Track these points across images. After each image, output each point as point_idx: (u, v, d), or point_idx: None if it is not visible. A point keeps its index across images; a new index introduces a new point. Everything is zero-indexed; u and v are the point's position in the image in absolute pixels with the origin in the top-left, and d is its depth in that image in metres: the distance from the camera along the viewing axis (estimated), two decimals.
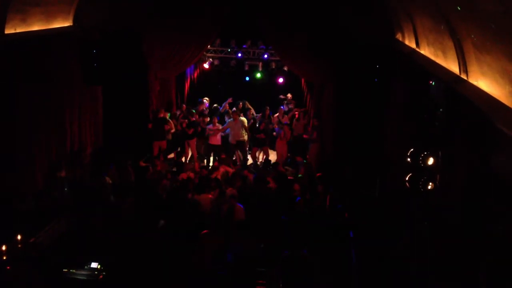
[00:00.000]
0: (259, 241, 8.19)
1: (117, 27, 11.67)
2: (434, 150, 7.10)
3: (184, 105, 14.53)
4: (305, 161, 13.58)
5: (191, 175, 11.77)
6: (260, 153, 14.93)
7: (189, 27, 12.45)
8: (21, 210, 8.83)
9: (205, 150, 14.60)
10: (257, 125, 14.56)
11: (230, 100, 15.25)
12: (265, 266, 7.91)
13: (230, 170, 12.20)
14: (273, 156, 14.90)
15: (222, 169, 12.09)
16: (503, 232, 4.81)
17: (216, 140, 14.13)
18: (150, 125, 13.29)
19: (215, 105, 15.86)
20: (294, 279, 6.65)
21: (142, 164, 12.19)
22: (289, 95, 16.06)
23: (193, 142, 14.12)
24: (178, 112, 14.87)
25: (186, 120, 14.18)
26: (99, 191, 10.27)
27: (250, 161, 14.84)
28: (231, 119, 14.16)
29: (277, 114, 15.02)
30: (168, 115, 14.02)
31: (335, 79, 12.20)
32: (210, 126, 14.17)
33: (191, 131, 13.95)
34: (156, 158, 12.60)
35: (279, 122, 14.71)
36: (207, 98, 15.61)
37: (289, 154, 14.72)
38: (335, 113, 12.43)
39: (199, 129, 14.06)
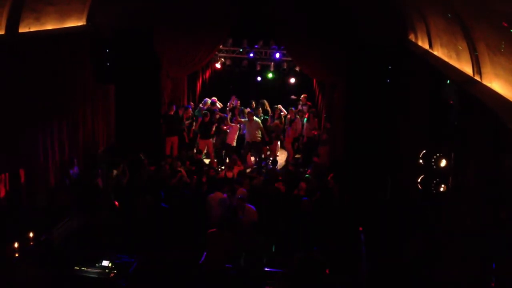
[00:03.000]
0: (269, 241, 8.18)
1: (129, 26, 11.74)
2: (447, 152, 7.04)
3: (190, 109, 14.52)
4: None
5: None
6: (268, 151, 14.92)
7: (201, 27, 12.47)
8: (33, 207, 8.92)
9: (221, 147, 14.64)
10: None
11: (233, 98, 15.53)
12: (276, 267, 7.92)
13: (240, 169, 12.23)
14: (284, 156, 14.96)
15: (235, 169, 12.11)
16: None
17: (231, 139, 14.20)
18: (161, 121, 13.37)
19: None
20: (306, 280, 6.62)
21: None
22: (304, 96, 15.89)
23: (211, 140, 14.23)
24: (180, 112, 14.76)
25: (191, 120, 14.28)
26: (105, 190, 10.31)
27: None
28: (247, 119, 14.18)
29: (289, 116, 14.96)
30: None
31: (346, 79, 12.14)
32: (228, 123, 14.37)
33: (212, 131, 14.07)
34: (167, 157, 12.58)
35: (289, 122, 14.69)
36: (215, 98, 15.59)
37: (300, 155, 14.69)
38: (346, 113, 12.37)
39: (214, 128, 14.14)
